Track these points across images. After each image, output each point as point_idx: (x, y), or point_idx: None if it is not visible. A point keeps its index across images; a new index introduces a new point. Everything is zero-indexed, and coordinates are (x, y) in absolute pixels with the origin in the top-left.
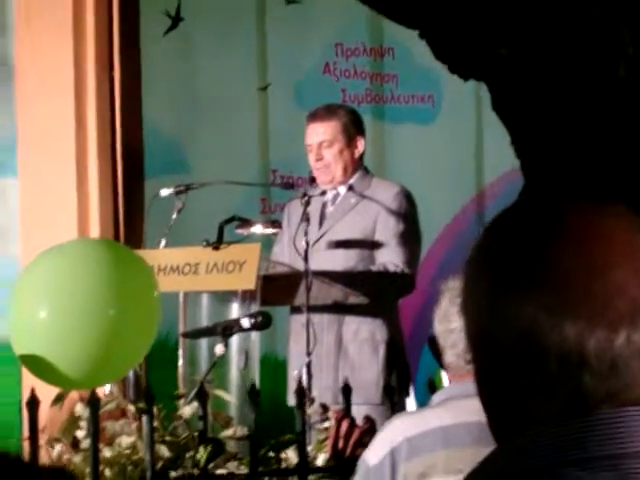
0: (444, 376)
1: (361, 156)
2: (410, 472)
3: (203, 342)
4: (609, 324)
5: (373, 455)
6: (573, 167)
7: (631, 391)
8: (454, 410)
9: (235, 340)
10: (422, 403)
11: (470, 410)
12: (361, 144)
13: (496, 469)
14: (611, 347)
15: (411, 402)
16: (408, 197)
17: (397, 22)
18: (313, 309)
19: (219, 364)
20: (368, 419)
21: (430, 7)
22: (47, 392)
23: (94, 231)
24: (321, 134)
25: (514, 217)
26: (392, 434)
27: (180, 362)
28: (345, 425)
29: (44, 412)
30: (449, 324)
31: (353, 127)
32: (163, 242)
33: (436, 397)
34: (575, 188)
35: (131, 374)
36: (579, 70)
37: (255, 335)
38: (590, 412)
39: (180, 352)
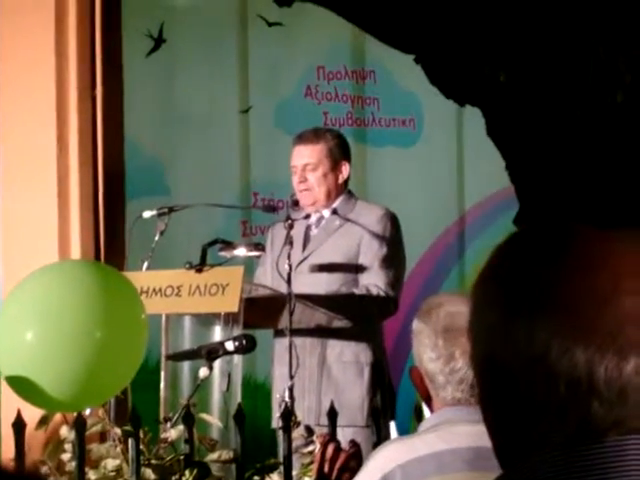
0: (425, 408)
1: (346, 181)
2: None
3: (185, 365)
4: (619, 351)
5: None
6: (569, 192)
7: (638, 420)
8: (445, 436)
9: (217, 363)
10: (403, 425)
11: (461, 436)
12: (346, 169)
13: None
14: (620, 375)
15: (392, 425)
16: (392, 220)
17: (393, 47)
18: (296, 332)
19: (201, 387)
20: (354, 443)
21: (427, 33)
22: (28, 415)
23: (75, 252)
24: (306, 157)
25: (522, 242)
26: (383, 461)
27: (162, 385)
28: (331, 449)
29: (26, 435)
30: (454, 363)
31: (339, 152)
32: (145, 264)
33: (425, 423)
34: (571, 213)
35: None
36: (577, 97)
37: (237, 358)
38: (597, 439)
39: (162, 375)
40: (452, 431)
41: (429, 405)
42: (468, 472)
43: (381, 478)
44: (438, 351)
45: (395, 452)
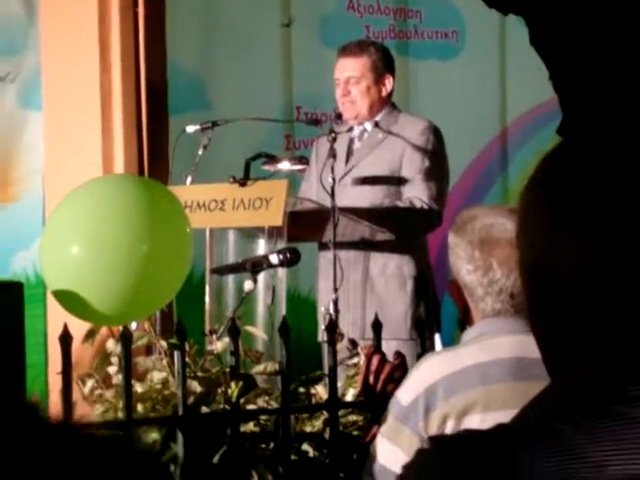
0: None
1: (389, 94)
2: (450, 411)
3: (229, 278)
4: None
5: (406, 395)
6: (612, 101)
7: None
8: (487, 347)
9: (262, 276)
10: (447, 337)
11: (503, 346)
12: (389, 82)
13: (548, 405)
14: None
15: (436, 337)
16: (435, 132)
17: None
18: (340, 246)
19: (246, 300)
20: (399, 355)
21: None
22: (75, 329)
23: (118, 168)
24: (350, 70)
25: (570, 150)
26: (426, 373)
27: (207, 298)
28: (376, 361)
29: (73, 348)
30: (492, 274)
31: (382, 65)
32: (189, 179)
33: (466, 336)
34: (614, 122)
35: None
36: (620, 4)
37: (282, 271)
38: None
39: (207, 288)
40: (494, 342)
41: (467, 318)
42: (512, 382)
43: (424, 390)
44: (475, 263)
45: (438, 364)
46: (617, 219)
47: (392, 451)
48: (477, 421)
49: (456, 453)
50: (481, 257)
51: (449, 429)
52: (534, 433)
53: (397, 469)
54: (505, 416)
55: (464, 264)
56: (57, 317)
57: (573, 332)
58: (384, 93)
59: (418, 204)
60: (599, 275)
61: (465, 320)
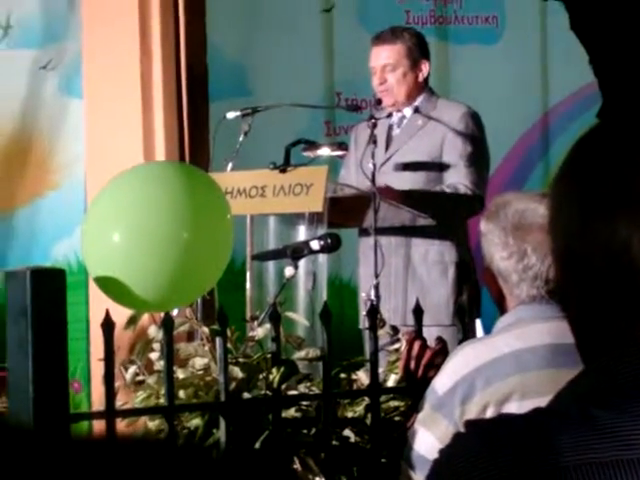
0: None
1: (426, 79)
2: (489, 399)
3: (270, 265)
4: None
5: (442, 384)
6: None
7: None
8: (522, 334)
9: (302, 262)
10: (488, 323)
11: (539, 333)
12: (425, 67)
13: (583, 389)
14: None
15: (478, 323)
16: (475, 118)
17: None
18: (381, 231)
19: (287, 286)
20: (440, 340)
21: None
22: (117, 315)
23: (159, 154)
24: (385, 58)
25: (603, 136)
26: (462, 363)
27: (248, 285)
28: (417, 346)
29: (115, 335)
30: (527, 260)
31: (417, 51)
32: (229, 165)
33: (500, 323)
34: None
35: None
36: None
37: (322, 257)
38: None
39: (247, 275)
40: (529, 329)
41: (502, 306)
42: (548, 369)
43: (461, 380)
44: (509, 249)
45: (473, 353)
46: None
47: (427, 438)
48: (515, 409)
49: (493, 436)
50: (515, 243)
51: (489, 416)
52: (570, 416)
53: (432, 457)
54: (542, 403)
55: (498, 251)
56: (99, 304)
57: (608, 318)
58: (420, 79)
59: (462, 189)
60: (635, 261)
61: (500, 307)
